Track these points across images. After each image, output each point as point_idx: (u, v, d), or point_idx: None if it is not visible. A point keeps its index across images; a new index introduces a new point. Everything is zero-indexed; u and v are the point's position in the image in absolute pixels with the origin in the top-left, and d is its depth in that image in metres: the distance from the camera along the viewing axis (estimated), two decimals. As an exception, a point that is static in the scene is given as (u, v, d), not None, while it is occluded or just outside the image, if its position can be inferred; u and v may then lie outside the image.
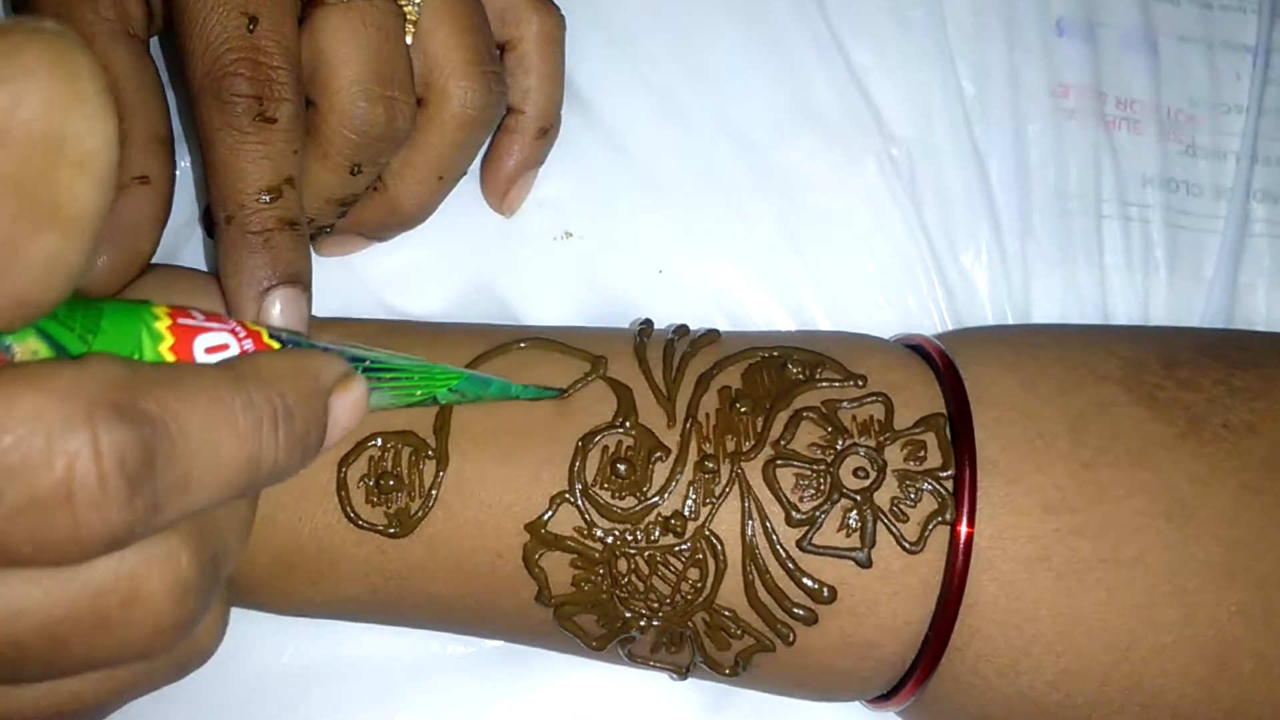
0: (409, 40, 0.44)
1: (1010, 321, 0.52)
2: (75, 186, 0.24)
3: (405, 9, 0.43)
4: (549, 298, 0.52)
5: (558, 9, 0.48)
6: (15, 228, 0.23)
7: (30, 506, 0.25)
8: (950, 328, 0.52)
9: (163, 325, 0.30)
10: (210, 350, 0.31)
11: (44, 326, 0.27)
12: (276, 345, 0.33)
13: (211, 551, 0.30)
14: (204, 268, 0.50)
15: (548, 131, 0.50)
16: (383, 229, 0.49)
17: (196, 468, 0.27)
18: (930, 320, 0.52)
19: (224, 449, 0.28)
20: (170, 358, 0.30)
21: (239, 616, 0.45)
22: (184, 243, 0.50)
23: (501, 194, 0.51)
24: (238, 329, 0.32)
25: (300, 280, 0.41)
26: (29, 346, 0.27)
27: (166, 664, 0.33)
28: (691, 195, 0.53)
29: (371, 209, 0.47)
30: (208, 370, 0.29)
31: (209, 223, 0.47)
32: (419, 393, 0.38)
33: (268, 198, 0.40)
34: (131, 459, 0.25)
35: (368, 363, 0.35)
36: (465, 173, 0.48)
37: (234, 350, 0.31)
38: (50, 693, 0.31)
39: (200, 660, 0.34)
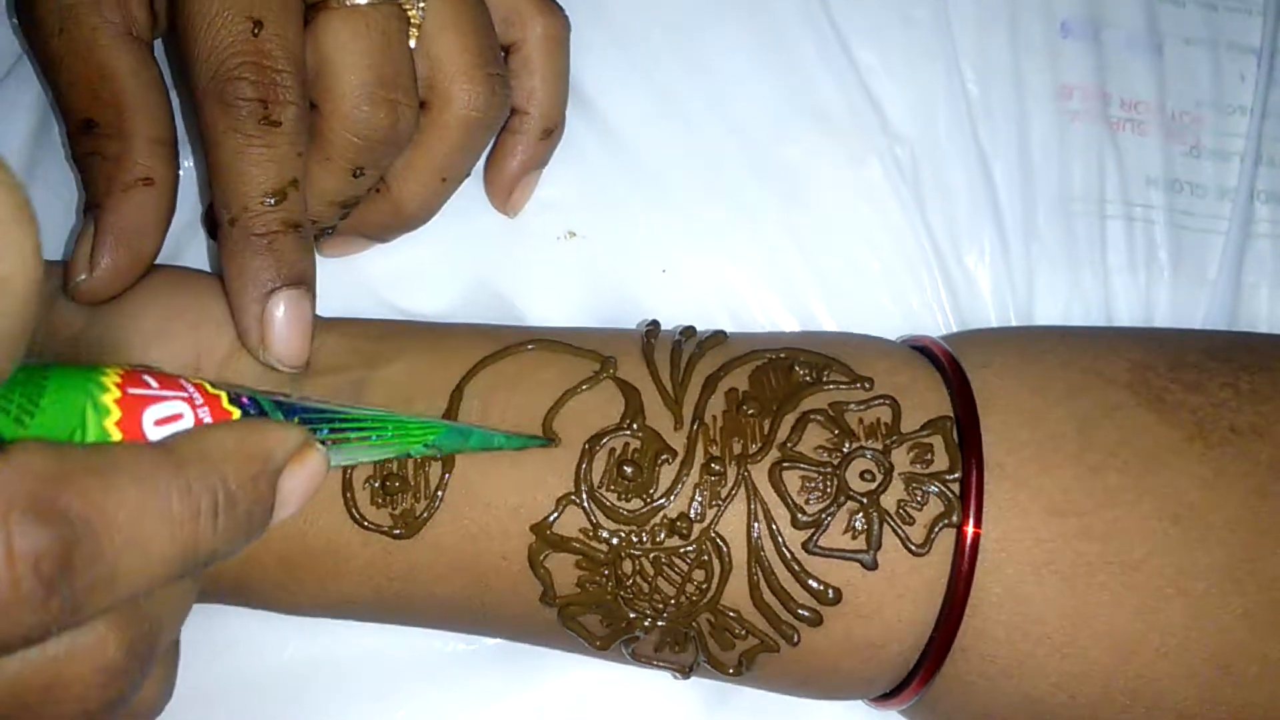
0: (412, 43, 0.44)
1: (1013, 321, 0.52)
2: None
3: (409, 12, 0.43)
4: (552, 297, 0.52)
5: (562, 11, 0.48)
6: None
7: None
8: (954, 328, 0.52)
9: (110, 398, 0.29)
10: (161, 422, 0.30)
11: None
12: (236, 412, 0.32)
13: (144, 630, 0.30)
14: (207, 268, 0.50)
15: (552, 132, 0.50)
16: (386, 230, 0.49)
17: (123, 563, 0.27)
18: (934, 320, 0.52)
19: (154, 541, 0.27)
20: (116, 433, 0.29)
21: (240, 614, 0.46)
22: (187, 244, 0.50)
23: (505, 194, 0.51)
24: (195, 395, 0.31)
25: (304, 281, 0.42)
26: None
27: None
28: (695, 195, 0.53)
29: (375, 210, 0.47)
30: (144, 454, 0.28)
31: (211, 224, 0.47)
32: (391, 450, 0.37)
33: (272, 200, 0.41)
34: (48, 562, 0.25)
35: (335, 423, 0.35)
36: (469, 174, 0.48)
37: (188, 420, 0.31)
38: None
39: (147, 719, 0.34)
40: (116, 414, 0.29)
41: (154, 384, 0.31)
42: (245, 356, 0.43)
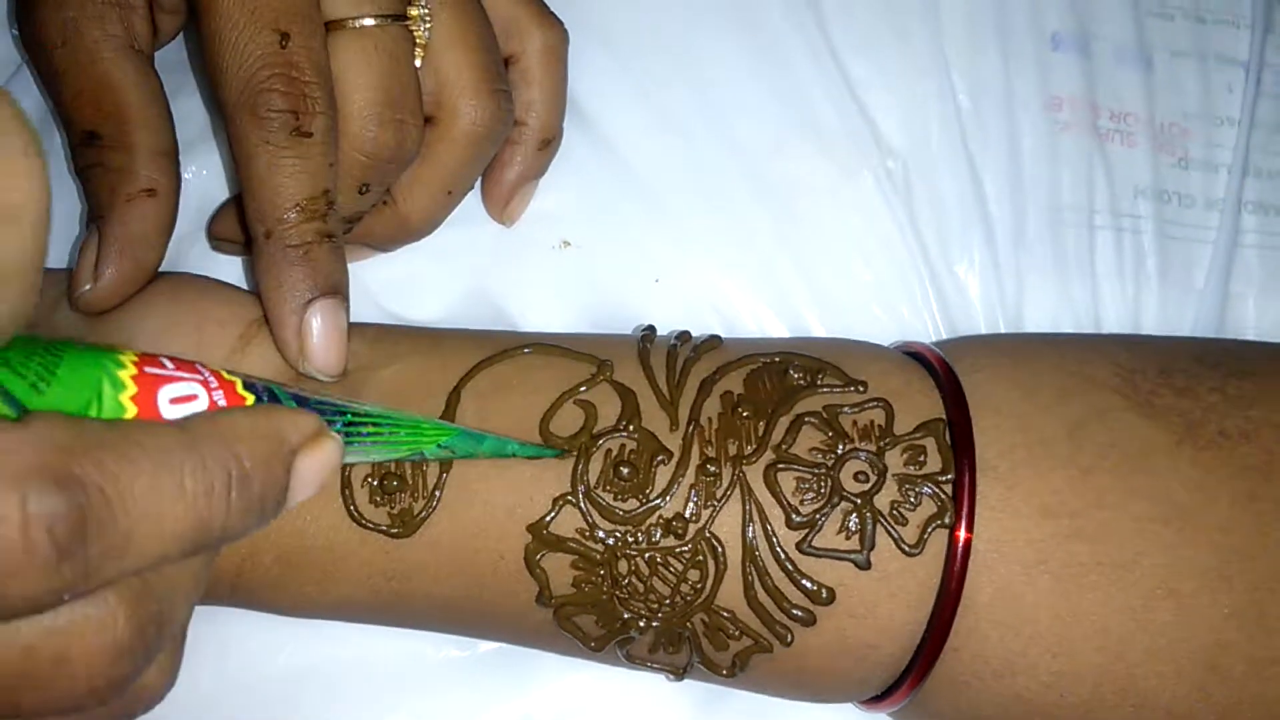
0: (418, 62, 0.44)
1: (1003, 329, 0.53)
2: (4, 238, 0.25)
3: (415, 33, 0.44)
4: (547, 306, 0.53)
5: (561, 23, 0.49)
6: None
7: None
8: (944, 336, 0.52)
9: (126, 374, 0.30)
10: (176, 401, 0.30)
11: None
12: (250, 397, 0.32)
13: (153, 610, 0.30)
14: (207, 274, 0.50)
15: (549, 143, 0.50)
16: (391, 241, 0.49)
17: (136, 533, 0.27)
18: (925, 329, 0.52)
19: (168, 514, 0.28)
20: (131, 408, 0.30)
21: (236, 619, 0.46)
22: (187, 251, 0.51)
23: (503, 204, 0.51)
24: (210, 379, 0.31)
25: (339, 291, 0.42)
26: None
27: (108, 713, 0.33)
28: (689, 206, 0.53)
29: (381, 222, 0.48)
30: (160, 430, 0.29)
31: (213, 235, 0.48)
32: (405, 448, 0.37)
33: (306, 211, 0.41)
34: (62, 527, 0.26)
35: (349, 416, 0.35)
36: (473, 187, 0.49)
37: (202, 402, 0.31)
38: None
39: (149, 705, 0.34)
40: (132, 389, 0.30)
41: (170, 365, 0.31)
42: (246, 357, 0.43)
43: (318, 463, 0.32)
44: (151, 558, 0.28)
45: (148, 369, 0.30)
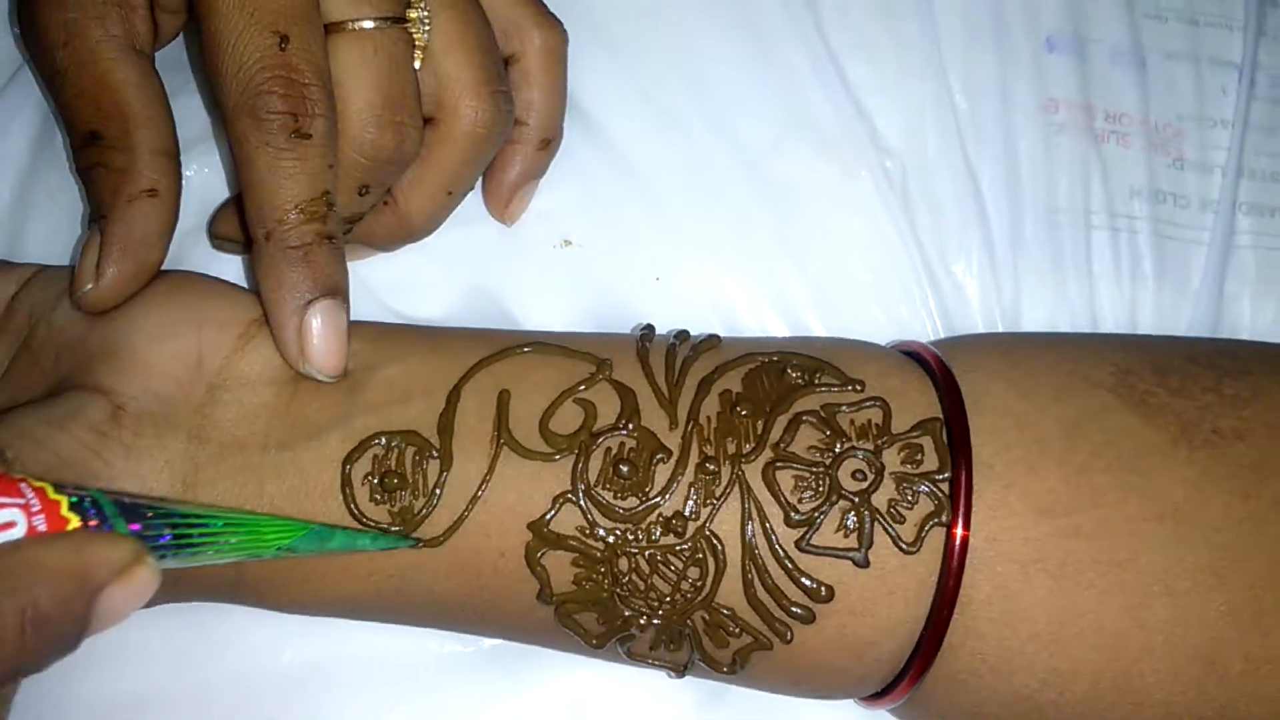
0: (417, 64, 0.45)
1: (1000, 330, 0.53)
2: None
3: (414, 35, 0.44)
4: (548, 304, 0.53)
5: (560, 24, 0.49)
6: None
7: None
8: (942, 335, 0.52)
9: None
10: None
11: None
12: (74, 519, 0.32)
13: None
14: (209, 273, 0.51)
15: (550, 143, 0.50)
16: (392, 241, 0.49)
17: None
18: (923, 328, 0.53)
19: None
20: None
21: (238, 615, 0.46)
22: (189, 250, 0.51)
23: (504, 203, 0.51)
24: (33, 501, 0.31)
25: (339, 292, 0.43)
26: None
27: None
28: (689, 205, 0.53)
29: (382, 223, 0.48)
30: None
31: (214, 234, 0.48)
32: (240, 552, 0.37)
33: (305, 213, 0.41)
34: None
35: (180, 527, 0.34)
36: (473, 187, 0.49)
37: (20, 529, 0.31)
38: None
39: None
40: None
41: None
42: (246, 356, 0.43)
43: (124, 595, 0.32)
44: None
45: None
